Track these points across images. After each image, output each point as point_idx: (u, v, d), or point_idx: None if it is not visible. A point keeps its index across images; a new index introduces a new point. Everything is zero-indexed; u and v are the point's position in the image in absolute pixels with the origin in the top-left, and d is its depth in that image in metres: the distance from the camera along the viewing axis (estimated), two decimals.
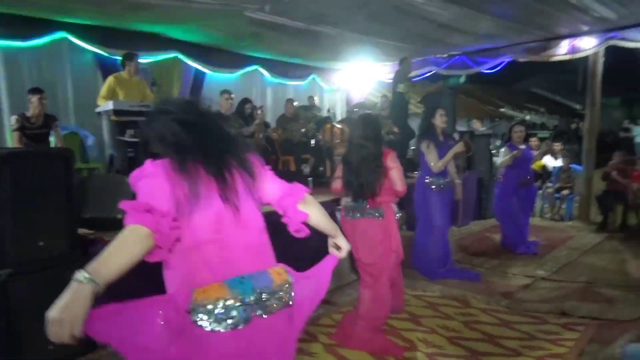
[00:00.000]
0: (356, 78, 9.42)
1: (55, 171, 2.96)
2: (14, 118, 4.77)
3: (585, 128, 7.37)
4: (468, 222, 6.80)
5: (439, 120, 4.40)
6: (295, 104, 7.42)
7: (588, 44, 6.72)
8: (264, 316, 1.38)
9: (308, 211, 1.61)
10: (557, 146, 8.49)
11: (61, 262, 2.92)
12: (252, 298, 1.36)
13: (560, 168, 7.72)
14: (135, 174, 1.39)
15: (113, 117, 4.73)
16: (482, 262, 5.05)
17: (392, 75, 8.70)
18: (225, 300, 1.32)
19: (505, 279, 4.49)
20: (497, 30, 6.47)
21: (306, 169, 6.87)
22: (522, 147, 5.45)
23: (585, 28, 6.50)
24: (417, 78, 8.39)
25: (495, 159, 8.27)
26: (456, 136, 5.38)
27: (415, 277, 4.49)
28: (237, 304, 1.33)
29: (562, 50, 6.96)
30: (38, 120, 4.81)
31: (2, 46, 5.29)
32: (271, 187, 1.61)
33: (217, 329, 1.31)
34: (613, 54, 7.14)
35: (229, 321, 1.32)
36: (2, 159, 2.69)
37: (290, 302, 1.47)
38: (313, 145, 7.13)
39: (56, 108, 5.72)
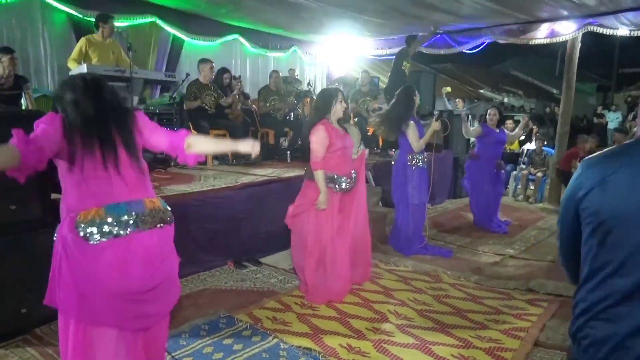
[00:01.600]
0: (337, 52, 9.33)
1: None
2: None
3: (560, 112, 7.51)
4: (443, 200, 6.92)
5: (418, 98, 4.47)
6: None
7: (567, 29, 6.79)
8: (140, 231, 1.86)
9: (197, 148, 2.09)
10: (533, 128, 8.67)
11: (33, 226, 2.88)
12: (125, 217, 1.83)
13: (533, 150, 7.89)
14: (40, 119, 1.85)
15: None
16: (454, 239, 5.18)
17: (379, 52, 8.74)
18: (102, 218, 1.80)
19: (476, 256, 4.62)
20: (478, 12, 6.47)
21: (285, 143, 6.85)
22: (496, 130, 5.57)
23: (565, 13, 6.56)
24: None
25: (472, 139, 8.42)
26: (435, 114, 5.45)
27: (389, 252, 4.59)
28: (113, 222, 1.81)
29: (542, 33, 7.02)
30: (8, 82, 4.63)
31: None
32: (158, 137, 2.08)
33: (99, 239, 1.79)
34: (592, 41, 7.26)
35: (108, 234, 1.80)
36: None
37: (161, 225, 1.94)
38: (292, 119, 7.08)
39: (28, 69, 5.53)
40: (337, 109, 3.44)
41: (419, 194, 4.51)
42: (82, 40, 5.02)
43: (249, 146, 2.11)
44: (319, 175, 3.30)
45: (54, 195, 3.20)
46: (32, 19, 5.54)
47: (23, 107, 4.80)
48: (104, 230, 1.80)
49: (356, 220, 3.59)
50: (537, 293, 3.59)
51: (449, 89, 9.99)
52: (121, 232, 1.83)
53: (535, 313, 3.23)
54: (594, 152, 5.32)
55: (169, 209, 2.02)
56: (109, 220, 1.81)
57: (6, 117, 2.97)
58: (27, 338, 2.77)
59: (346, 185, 3.44)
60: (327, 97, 3.50)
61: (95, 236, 1.79)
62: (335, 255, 3.42)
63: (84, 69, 4.48)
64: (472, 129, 5.75)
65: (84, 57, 4.96)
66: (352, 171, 3.52)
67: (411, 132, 4.40)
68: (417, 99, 4.48)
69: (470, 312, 3.26)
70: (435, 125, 4.46)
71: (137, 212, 1.87)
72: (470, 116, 9.47)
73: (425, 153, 4.60)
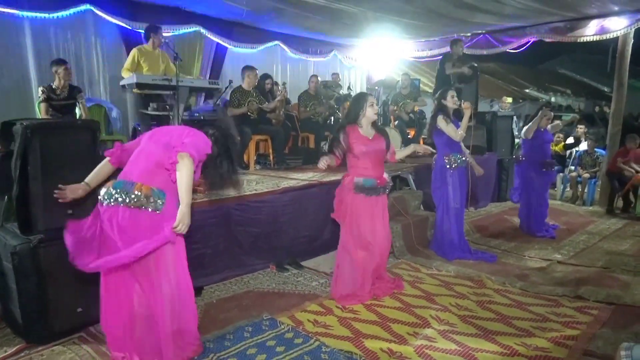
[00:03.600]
0: (377, 55, 9.32)
1: (81, 142, 3.05)
2: (40, 89, 4.89)
3: (611, 111, 7.20)
4: (487, 203, 6.77)
5: (450, 101, 4.41)
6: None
7: (618, 25, 6.52)
8: (121, 205, 2.34)
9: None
10: (581, 129, 8.34)
11: None
12: (118, 190, 2.35)
13: (584, 151, 7.59)
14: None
15: (136, 90, 4.80)
16: (498, 243, 5.06)
17: (419, 54, 8.67)
18: (108, 189, 2.38)
19: (521, 261, 4.50)
20: (521, 11, 6.31)
21: (325, 147, 6.89)
22: (542, 130, 5.39)
23: (616, 8, 6.29)
24: (439, 57, 8.29)
25: (517, 140, 8.19)
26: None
27: (431, 257, 4.54)
28: (114, 193, 2.35)
29: (591, 30, 6.77)
30: (63, 92, 4.92)
31: (29, 18, 5.37)
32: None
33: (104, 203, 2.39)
34: None
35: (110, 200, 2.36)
36: (32, 129, 2.78)
37: (132, 205, 2.34)
38: (332, 123, 7.12)
39: (82, 80, 5.83)
40: (368, 113, 3.46)
41: (458, 196, 4.45)
42: (134, 51, 5.25)
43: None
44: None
45: None
46: (86, 32, 5.85)
47: (77, 116, 5.08)
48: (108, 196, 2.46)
49: (380, 228, 3.55)
50: (587, 301, 3.46)
51: (509, 99, 9.73)
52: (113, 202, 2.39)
53: (584, 321, 3.12)
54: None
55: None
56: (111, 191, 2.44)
57: (62, 126, 3.16)
58: (83, 336, 2.92)
59: (374, 188, 3.44)
60: (358, 101, 3.52)
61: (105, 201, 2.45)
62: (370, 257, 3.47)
63: (133, 78, 4.68)
64: (527, 127, 5.46)
65: (136, 67, 5.19)
66: (384, 175, 3.53)
67: (443, 125, 4.36)
68: (450, 102, 4.40)
69: (515, 318, 3.18)
70: (467, 107, 4.36)
71: (125, 189, 2.40)
72: (515, 117, 9.21)
73: (467, 154, 4.53)
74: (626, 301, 3.42)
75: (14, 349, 2.77)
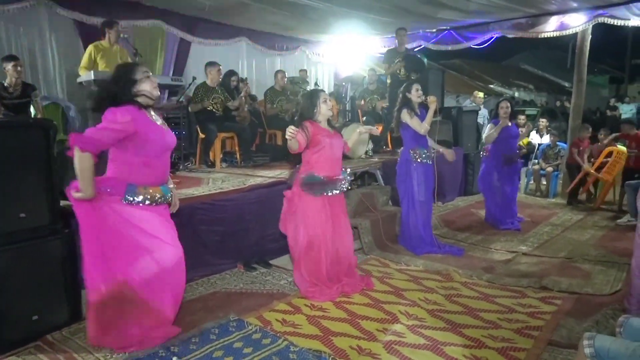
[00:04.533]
0: (345, 51, 9.30)
1: (34, 142, 2.89)
2: None
3: (571, 105, 7.40)
4: (454, 197, 6.86)
5: (415, 95, 4.41)
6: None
7: (577, 21, 6.69)
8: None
9: None
10: (543, 123, 8.55)
11: (43, 234, 2.89)
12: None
13: (547, 145, 7.78)
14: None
15: (94, 88, 4.62)
16: (466, 237, 5.12)
17: (385, 50, 8.64)
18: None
19: (488, 254, 4.56)
20: (485, 7, 6.40)
21: None
22: (509, 124, 5.46)
23: (575, 4, 6.46)
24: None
25: (483, 134, 8.31)
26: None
27: (400, 252, 4.55)
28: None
29: (551, 26, 6.93)
30: (16, 90, 4.70)
31: None
32: None
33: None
34: (603, 32, 7.13)
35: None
36: None
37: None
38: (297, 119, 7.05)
39: (37, 78, 5.59)
40: (323, 109, 3.42)
41: (425, 190, 4.46)
42: (90, 47, 5.06)
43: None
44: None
45: (63, 203, 3.23)
46: (39, 27, 5.59)
47: (32, 116, 4.85)
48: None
49: (339, 226, 3.53)
50: (551, 291, 3.53)
51: (481, 94, 9.76)
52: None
53: (548, 311, 3.17)
54: (604, 144, 5.21)
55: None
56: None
57: (11, 126, 2.99)
58: (39, 344, 2.78)
59: (324, 184, 3.40)
60: (310, 98, 3.47)
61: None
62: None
63: (91, 75, 4.51)
64: (488, 133, 5.48)
65: (93, 64, 4.99)
66: (342, 174, 3.49)
67: (407, 118, 4.36)
68: (414, 95, 4.39)
69: (482, 311, 3.21)
70: (432, 101, 4.36)
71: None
72: (485, 111, 9.30)
73: (432, 149, 4.56)
74: (588, 290, 3.51)
75: None
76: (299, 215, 3.40)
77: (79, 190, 2.44)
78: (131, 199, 2.55)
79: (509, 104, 5.54)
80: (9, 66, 4.57)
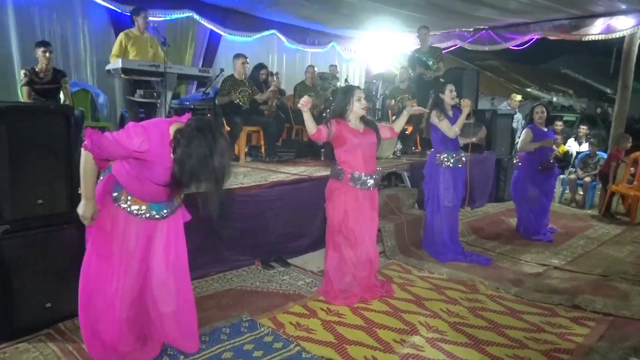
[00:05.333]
0: (376, 48, 9.12)
1: (55, 128, 2.86)
2: (22, 72, 4.70)
3: (614, 113, 7.03)
4: (483, 203, 6.61)
5: (448, 96, 4.23)
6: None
7: (624, 24, 6.34)
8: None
9: None
10: (583, 130, 8.16)
11: (60, 221, 2.86)
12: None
13: (586, 154, 7.41)
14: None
15: (122, 76, 4.61)
16: (494, 246, 4.90)
17: (414, 47, 8.43)
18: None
19: (517, 265, 4.34)
20: (526, 7, 6.12)
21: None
22: (544, 129, 5.20)
23: (623, 7, 6.11)
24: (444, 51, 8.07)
25: (517, 139, 8.00)
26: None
27: (424, 258, 4.38)
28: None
29: (596, 29, 6.60)
30: (47, 76, 4.73)
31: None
32: None
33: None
34: None
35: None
36: None
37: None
38: (328, 116, 6.93)
39: (68, 64, 5.64)
40: (356, 107, 3.28)
41: (452, 195, 4.28)
42: (121, 35, 5.06)
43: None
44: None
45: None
46: (73, 14, 5.64)
47: (61, 101, 4.89)
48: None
49: (371, 221, 3.41)
50: (584, 310, 3.30)
51: (519, 97, 9.40)
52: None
53: (580, 333, 2.95)
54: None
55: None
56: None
57: (33, 111, 2.97)
58: (51, 333, 2.76)
59: (371, 182, 3.30)
60: (344, 94, 3.34)
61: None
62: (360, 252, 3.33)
63: (119, 63, 4.49)
64: (524, 143, 5.17)
65: (124, 52, 4.99)
66: (375, 171, 3.38)
67: (436, 120, 4.20)
68: (447, 96, 4.22)
69: (508, 327, 3.02)
70: (466, 104, 4.16)
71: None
72: (520, 115, 8.95)
73: (463, 153, 4.36)
74: (625, 313, 3.26)
75: None
76: (336, 205, 3.31)
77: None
78: (116, 195, 2.30)
79: (544, 109, 5.27)
80: (39, 51, 4.61)
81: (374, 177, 3.35)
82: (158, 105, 4.75)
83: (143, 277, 2.44)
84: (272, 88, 5.96)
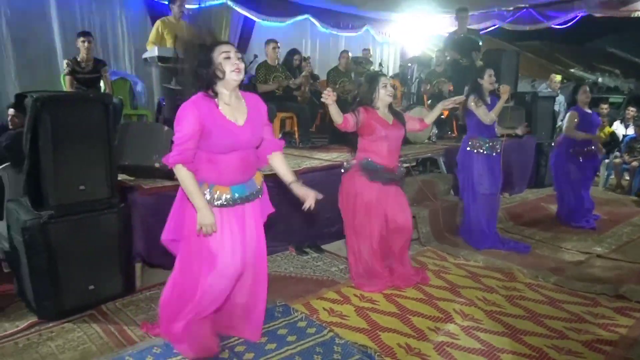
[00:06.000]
0: (411, 31, 8.92)
1: (95, 116, 2.94)
2: (65, 62, 4.85)
3: None
4: (522, 189, 6.42)
5: (487, 80, 4.11)
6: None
7: None
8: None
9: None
10: (632, 112, 7.76)
11: (100, 207, 2.96)
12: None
13: (633, 137, 7.06)
14: None
15: (159, 64, 4.68)
16: (533, 233, 4.76)
17: (450, 29, 8.20)
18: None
19: (557, 253, 4.20)
20: None
21: None
22: (589, 111, 4.97)
23: None
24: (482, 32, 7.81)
25: (559, 122, 7.71)
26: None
27: (459, 245, 4.30)
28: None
29: None
30: (88, 65, 4.86)
31: None
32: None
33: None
34: None
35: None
36: (42, 102, 2.68)
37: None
38: (354, 105, 6.85)
39: (107, 53, 5.78)
40: (382, 95, 3.21)
41: (488, 182, 4.17)
42: (158, 22, 5.12)
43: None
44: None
45: (120, 177, 3.31)
46: (111, 4, 5.76)
47: (102, 90, 5.02)
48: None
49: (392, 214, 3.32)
50: (629, 301, 3.16)
51: (559, 77, 9.04)
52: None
53: (624, 324, 2.84)
54: None
55: None
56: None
57: (73, 100, 3.07)
58: (94, 314, 2.88)
59: (381, 174, 3.22)
60: (369, 82, 3.26)
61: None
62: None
63: (155, 51, 4.56)
64: (568, 122, 4.91)
65: (160, 40, 5.06)
66: (397, 167, 3.31)
67: (473, 106, 4.09)
68: (486, 81, 4.11)
69: (547, 317, 2.94)
70: (504, 90, 4.03)
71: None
72: (562, 97, 8.60)
73: (498, 140, 4.23)
74: None
75: (25, 324, 2.75)
76: (353, 198, 3.28)
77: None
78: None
79: (588, 89, 5.02)
80: (80, 42, 4.74)
81: (395, 173, 3.29)
82: (194, 92, 4.80)
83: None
84: (304, 73, 5.93)
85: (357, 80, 6.82)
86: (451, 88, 6.74)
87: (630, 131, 7.38)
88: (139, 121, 5.28)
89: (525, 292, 3.32)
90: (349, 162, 3.36)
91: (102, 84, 5.06)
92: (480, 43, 6.55)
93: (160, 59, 4.55)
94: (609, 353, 2.52)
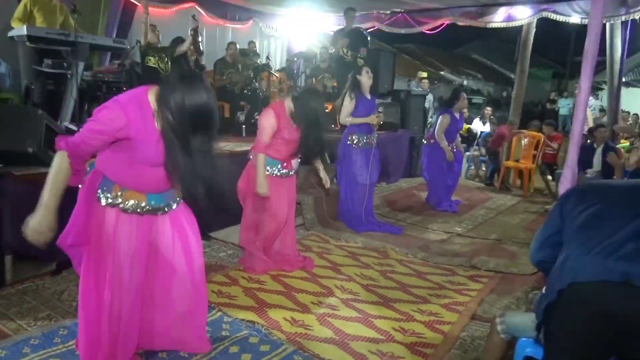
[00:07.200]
0: (298, 26, 9.19)
1: None
2: None
3: (512, 96, 7.71)
4: (398, 179, 7.01)
5: (365, 76, 4.45)
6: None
7: (522, 14, 6.95)
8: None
9: None
10: (488, 112, 8.86)
11: None
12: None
13: (488, 133, 8.08)
14: None
15: (28, 44, 4.32)
16: (405, 217, 5.28)
17: (336, 28, 8.62)
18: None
19: (425, 233, 4.73)
20: None
21: (241, 117, 6.72)
22: (457, 116, 5.57)
23: None
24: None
25: (429, 119, 8.54)
26: (380, 109, 5.22)
27: (341, 229, 4.62)
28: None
29: (499, 17, 7.16)
30: None
31: None
32: None
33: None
34: (549, 27, 7.43)
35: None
36: None
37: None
38: (249, 93, 6.95)
39: None
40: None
41: (365, 173, 4.54)
42: None
43: None
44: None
45: None
46: None
47: None
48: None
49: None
50: (479, 270, 3.72)
51: (424, 74, 9.92)
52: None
53: (475, 288, 3.35)
54: (551, 136, 5.36)
55: None
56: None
57: None
58: None
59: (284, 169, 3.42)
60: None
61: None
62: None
63: (24, 30, 4.20)
64: (440, 126, 5.43)
65: (28, 17, 4.64)
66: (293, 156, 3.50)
67: (346, 106, 4.42)
68: (364, 77, 4.44)
69: (414, 287, 3.34)
70: (372, 118, 4.44)
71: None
72: (431, 96, 9.50)
73: (374, 135, 4.62)
74: (512, 270, 3.73)
75: None
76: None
77: None
78: (101, 196, 1.99)
79: (466, 96, 5.66)
80: None
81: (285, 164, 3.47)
82: (69, 76, 4.51)
83: (145, 285, 2.15)
84: (189, 39, 5.85)
85: (244, 72, 6.90)
86: (335, 84, 7.12)
87: (487, 128, 8.42)
88: (8, 103, 4.78)
89: (396, 267, 3.72)
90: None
91: None
92: (369, 38, 7.02)
93: (30, 38, 4.20)
94: (461, 312, 2.96)
